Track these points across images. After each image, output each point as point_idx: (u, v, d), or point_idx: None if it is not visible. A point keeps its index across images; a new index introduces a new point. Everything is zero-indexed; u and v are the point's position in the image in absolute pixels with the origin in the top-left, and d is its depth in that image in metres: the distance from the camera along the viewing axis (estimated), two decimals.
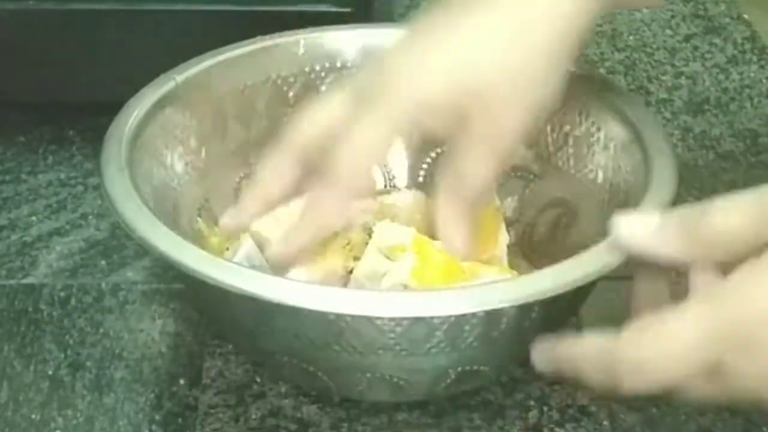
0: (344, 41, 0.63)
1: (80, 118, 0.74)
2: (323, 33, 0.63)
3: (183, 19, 0.66)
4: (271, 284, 0.47)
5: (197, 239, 0.56)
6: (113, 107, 0.74)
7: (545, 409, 0.55)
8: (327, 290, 0.48)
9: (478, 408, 0.55)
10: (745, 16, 0.88)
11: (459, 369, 0.50)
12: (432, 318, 0.46)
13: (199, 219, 0.58)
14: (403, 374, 0.50)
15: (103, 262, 0.63)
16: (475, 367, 0.51)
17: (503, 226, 0.59)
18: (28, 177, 0.69)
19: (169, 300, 0.60)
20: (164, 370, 0.56)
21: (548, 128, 0.61)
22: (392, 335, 0.47)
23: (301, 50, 0.62)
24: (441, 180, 0.54)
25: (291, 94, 0.62)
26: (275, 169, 0.54)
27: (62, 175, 0.69)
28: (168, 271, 0.62)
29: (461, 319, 0.47)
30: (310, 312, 0.46)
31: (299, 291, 0.47)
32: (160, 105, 0.58)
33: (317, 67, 0.63)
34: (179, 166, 0.58)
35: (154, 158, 0.57)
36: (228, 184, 0.61)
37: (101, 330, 0.59)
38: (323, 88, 0.62)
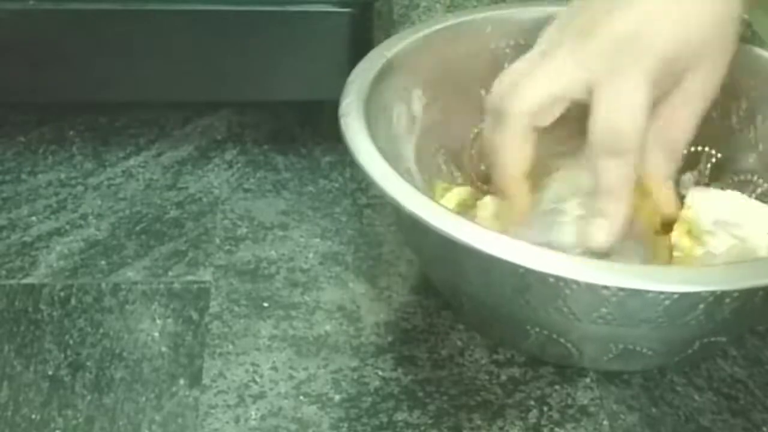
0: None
1: (80, 118, 0.74)
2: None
3: (183, 19, 0.66)
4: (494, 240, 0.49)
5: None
6: (113, 107, 0.74)
7: (545, 409, 0.55)
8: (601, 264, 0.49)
9: (478, 408, 0.55)
10: (745, 16, 0.87)
11: (705, 340, 0.53)
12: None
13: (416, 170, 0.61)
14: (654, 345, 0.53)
15: (103, 262, 0.63)
16: (717, 339, 0.54)
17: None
18: (28, 177, 0.69)
19: (169, 300, 0.60)
20: (164, 370, 0.56)
21: None
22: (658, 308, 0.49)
23: (489, 28, 0.64)
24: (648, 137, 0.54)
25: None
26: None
27: (62, 175, 0.69)
28: (168, 270, 0.62)
29: (725, 293, 0.49)
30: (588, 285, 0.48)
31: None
32: (381, 75, 0.60)
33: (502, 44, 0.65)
34: (403, 124, 0.61)
35: (384, 114, 0.59)
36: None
37: (101, 330, 0.58)
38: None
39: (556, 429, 0.54)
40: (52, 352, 0.57)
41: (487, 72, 0.61)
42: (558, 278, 0.48)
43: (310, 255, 0.64)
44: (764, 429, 0.54)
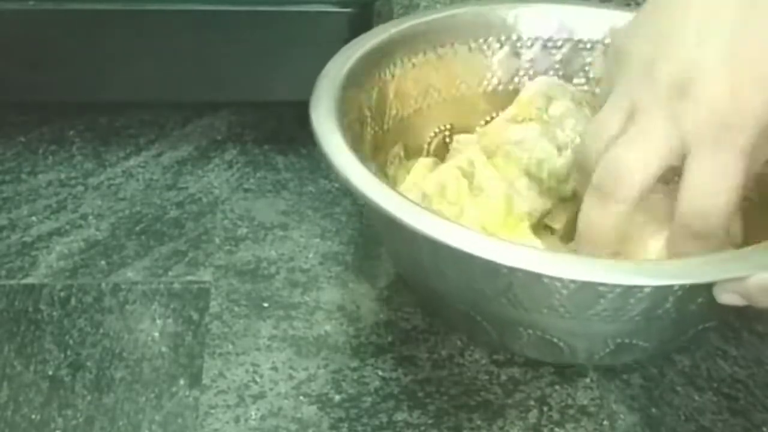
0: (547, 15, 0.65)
1: (80, 118, 0.74)
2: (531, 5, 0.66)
3: (183, 19, 0.66)
4: (454, 231, 0.48)
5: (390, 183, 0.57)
6: (113, 107, 0.74)
7: (545, 409, 0.55)
8: (502, 243, 0.49)
9: (478, 408, 0.55)
10: None
11: (618, 341, 0.52)
12: (599, 285, 0.47)
13: (390, 163, 0.62)
14: (564, 337, 0.52)
15: (103, 262, 0.63)
16: (635, 342, 0.52)
17: None
18: (28, 177, 0.69)
19: (169, 300, 0.60)
20: (164, 370, 0.56)
21: None
22: (558, 296, 0.48)
23: (510, 19, 0.65)
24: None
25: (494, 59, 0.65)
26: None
27: (62, 175, 0.69)
28: (168, 270, 0.62)
29: (628, 291, 0.47)
30: (483, 262, 0.47)
31: (478, 241, 0.48)
32: (371, 54, 0.60)
33: (524, 37, 0.65)
34: (379, 115, 0.61)
35: (357, 104, 0.59)
36: (421, 139, 0.64)
37: (101, 330, 0.59)
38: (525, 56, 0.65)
39: (556, 429, 0.54)
40: (52, 352, 0.57)
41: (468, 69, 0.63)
42: (462, 252, 0.47)
43: (310, 255, 0.64)
44: (764, 429, 0.54)
